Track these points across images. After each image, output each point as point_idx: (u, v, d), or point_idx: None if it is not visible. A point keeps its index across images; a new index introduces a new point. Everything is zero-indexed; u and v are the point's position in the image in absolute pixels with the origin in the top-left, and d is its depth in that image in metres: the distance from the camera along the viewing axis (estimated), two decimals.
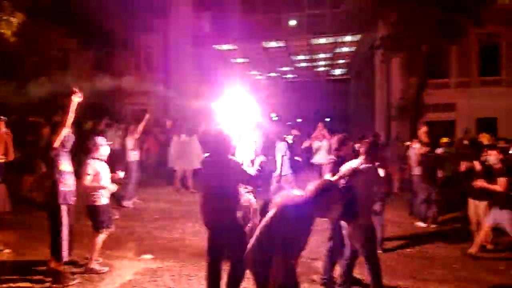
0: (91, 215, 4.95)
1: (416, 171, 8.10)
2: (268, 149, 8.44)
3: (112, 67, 18.85)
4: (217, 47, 22.23)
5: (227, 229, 3.89)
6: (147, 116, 8.95)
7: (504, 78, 18.59)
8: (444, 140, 8.94)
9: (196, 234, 6.54)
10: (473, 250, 5.89)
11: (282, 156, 8.12)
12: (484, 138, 9.32)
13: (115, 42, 17.21)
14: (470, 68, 18.87)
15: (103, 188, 4.94)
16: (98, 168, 4.93)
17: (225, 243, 3.93)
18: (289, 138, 9.20)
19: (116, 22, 16.15)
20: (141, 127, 8.90)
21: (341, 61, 27.05)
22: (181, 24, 20.20)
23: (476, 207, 6.27)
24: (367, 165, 4.09)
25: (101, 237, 4.96)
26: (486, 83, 18.64)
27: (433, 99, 16.61)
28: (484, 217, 6.03)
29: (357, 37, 20.57)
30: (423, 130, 8.17)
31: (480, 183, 5.99)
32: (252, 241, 2.97)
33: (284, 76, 32.00)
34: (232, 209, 3.95)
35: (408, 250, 6.23)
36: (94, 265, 4.96)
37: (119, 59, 19.96)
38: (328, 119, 32.95)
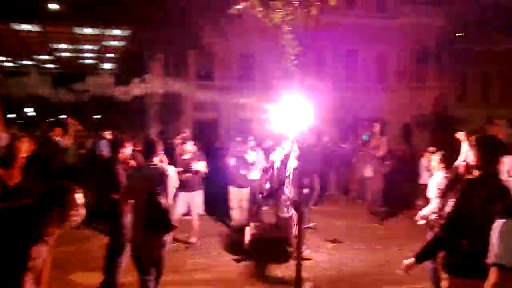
0: None
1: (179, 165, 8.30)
2: None
3: None
4: None
5: None
6: None
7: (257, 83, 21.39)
8: None
9: None
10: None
11: None
12: None
13: None
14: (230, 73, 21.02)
15: None
16: None
17: None
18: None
19: None
20: None
21: (111, 55, 25.68)
22: None
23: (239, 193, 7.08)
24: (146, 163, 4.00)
25: None
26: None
27: (200, 100, 17.70)
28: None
29: (127, 32, 19.85)
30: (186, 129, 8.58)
31: None
32: None
33: (43, 66, 28.06)
34: None
35: (175, 244, 6.18)
36: None
37: None
38: (98, 116, 30.79)
